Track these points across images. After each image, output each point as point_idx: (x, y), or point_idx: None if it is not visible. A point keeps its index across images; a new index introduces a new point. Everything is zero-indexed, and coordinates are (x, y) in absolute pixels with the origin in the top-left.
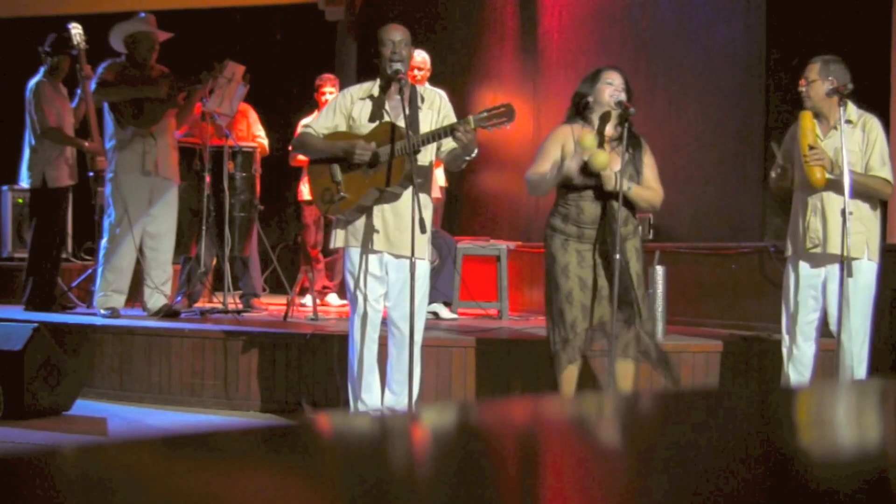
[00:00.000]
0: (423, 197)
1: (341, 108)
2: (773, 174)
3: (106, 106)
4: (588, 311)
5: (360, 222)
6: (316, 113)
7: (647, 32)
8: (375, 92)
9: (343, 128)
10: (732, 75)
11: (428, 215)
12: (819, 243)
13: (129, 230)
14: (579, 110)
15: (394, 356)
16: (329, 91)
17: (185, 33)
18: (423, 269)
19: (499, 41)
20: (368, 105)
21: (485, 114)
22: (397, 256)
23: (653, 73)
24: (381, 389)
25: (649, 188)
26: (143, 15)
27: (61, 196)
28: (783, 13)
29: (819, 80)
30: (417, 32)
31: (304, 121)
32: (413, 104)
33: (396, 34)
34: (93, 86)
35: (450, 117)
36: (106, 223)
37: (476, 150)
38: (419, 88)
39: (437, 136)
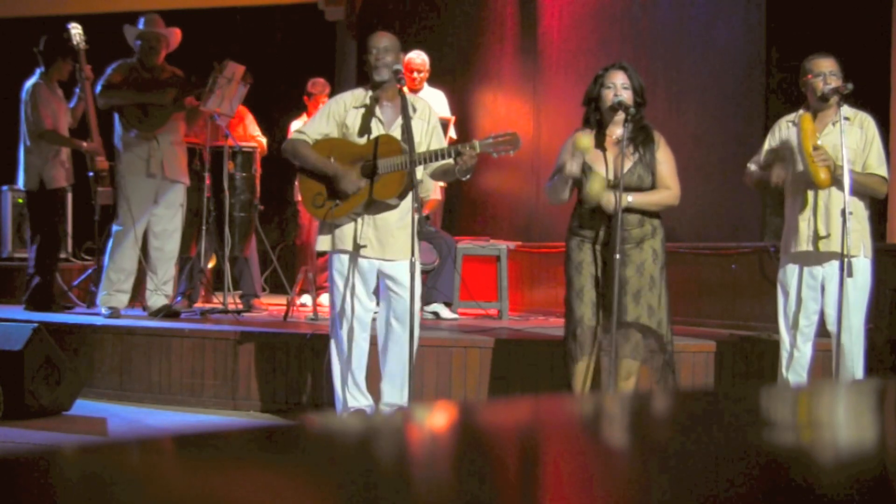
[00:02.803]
0: (409, 202)
1: (334, 116)
2: (751, 167)
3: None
4: (597, 309)
5: (349, 227)
6: (305, 116)
7: (647, 32)
8: (368, 101)
9: (335, 135)
10: (732, 75)
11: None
12: (825, 235)
13: (134, 231)
14: (589, 116)
15: (391, 356)
16: (325, 99)
17: (186, 33)
18: (417, 270)
19: (499, 41)
20: (361, 114)
21: (490, 140)
22: (389, 261)
23: (653, 73)
24: (370, 390)
25: (661, 188)
26: (146, 16)
27: (59, 197)
28: (783, 13)
29: (838, 76)
30: (417, 32)
31: (295, 123)
32: (406, 114)
33: (382, 41)
34: (98, 87)
35: (437, 130)
36: (114, 223)
37: (460, 175)
38: (410, 97)
39: (440, 155)
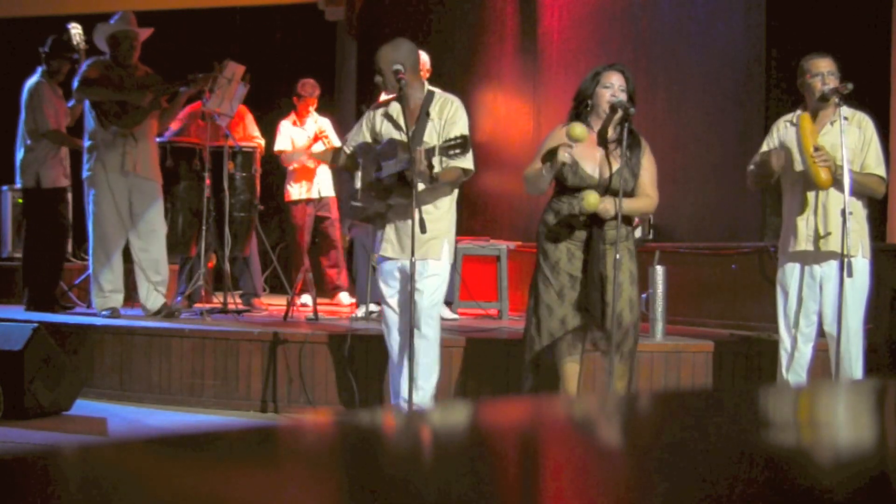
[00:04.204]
0: (434, 205)
1: (368, 124)
2: (752, 168)
3: (87, 104)
4: (577, 310)
5: (382, 231)
6: (294, 116)
7: (647, 32)
8: (391, 107)
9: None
10: (732, 75)
11: (444, 219)
12: (824, 236)
13: (115, 229)
14: (579, 112)
15: (417, 354)
16: (314, 102)
17: (186, 33)
18: (436, 269)
19: (499, 41)
20: (386, 120)
21: (448, 142)
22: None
23: (653, 73)
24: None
25: (642, 196)
26: (120, 14)
27: (56, 196)
28: (783, 13)
29: (836, 76)
30: (417, 33)
31: (283, 123)
32: (421, 117)
33: (381, 54)
34: (75, 83)
35: (452, 126)
36: (90, 225)
37: (432, 179)
38: (436, 96)
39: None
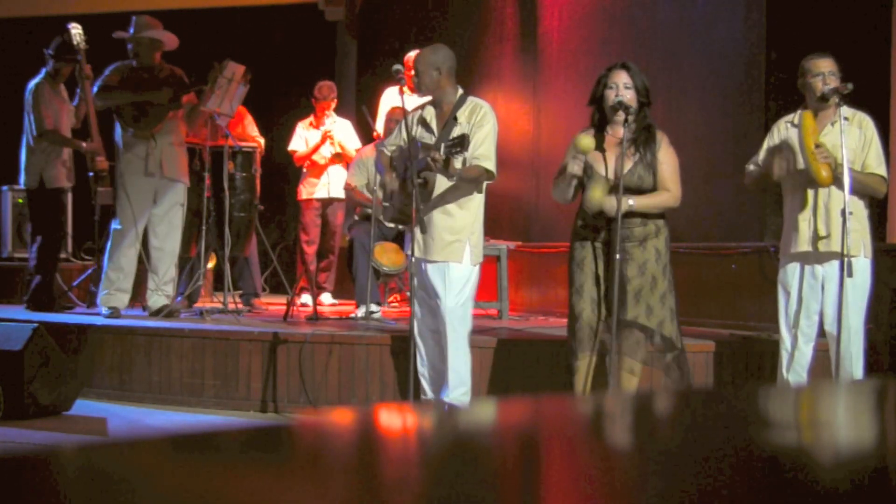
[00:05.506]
0: (458, 205)
1: (405, 126)
2: (750, 168)
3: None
4: (598, 307)
5: (413, 231)
6: (312, 118)
7: (647, 32)
8: (426, 110)
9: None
10: (732, 75)
11: (468, 220)
12: (825, 235)
13: (133, 230)
14: (594, 115)
15: (447, 355)
16: (330, 104)
17: (186, 33)
18: (457, 272)
19: (499, 41)
20: (419, 122)
21: (451, 140)
22: (432, 262)
23: (653, 73)
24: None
25: (662, 190)
26: (133, 20)
27: (59, 196)
28: (783, 13)
29: (836, 76)
30: (417, 32)
31: (300, 125)
32: (450, 120)
33: (416, 62)
34: (95, 88)
35: (479, 130)
36: (112, 223)
37: (447, 169)
38: (468, 101)
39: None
